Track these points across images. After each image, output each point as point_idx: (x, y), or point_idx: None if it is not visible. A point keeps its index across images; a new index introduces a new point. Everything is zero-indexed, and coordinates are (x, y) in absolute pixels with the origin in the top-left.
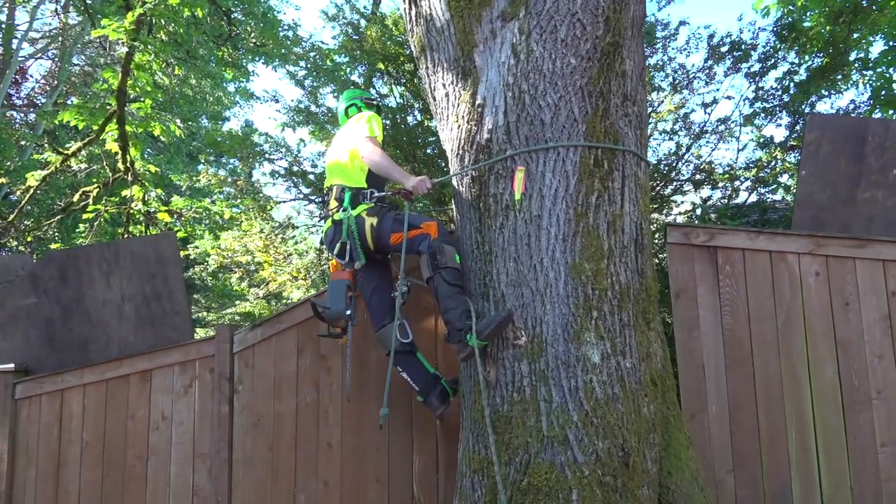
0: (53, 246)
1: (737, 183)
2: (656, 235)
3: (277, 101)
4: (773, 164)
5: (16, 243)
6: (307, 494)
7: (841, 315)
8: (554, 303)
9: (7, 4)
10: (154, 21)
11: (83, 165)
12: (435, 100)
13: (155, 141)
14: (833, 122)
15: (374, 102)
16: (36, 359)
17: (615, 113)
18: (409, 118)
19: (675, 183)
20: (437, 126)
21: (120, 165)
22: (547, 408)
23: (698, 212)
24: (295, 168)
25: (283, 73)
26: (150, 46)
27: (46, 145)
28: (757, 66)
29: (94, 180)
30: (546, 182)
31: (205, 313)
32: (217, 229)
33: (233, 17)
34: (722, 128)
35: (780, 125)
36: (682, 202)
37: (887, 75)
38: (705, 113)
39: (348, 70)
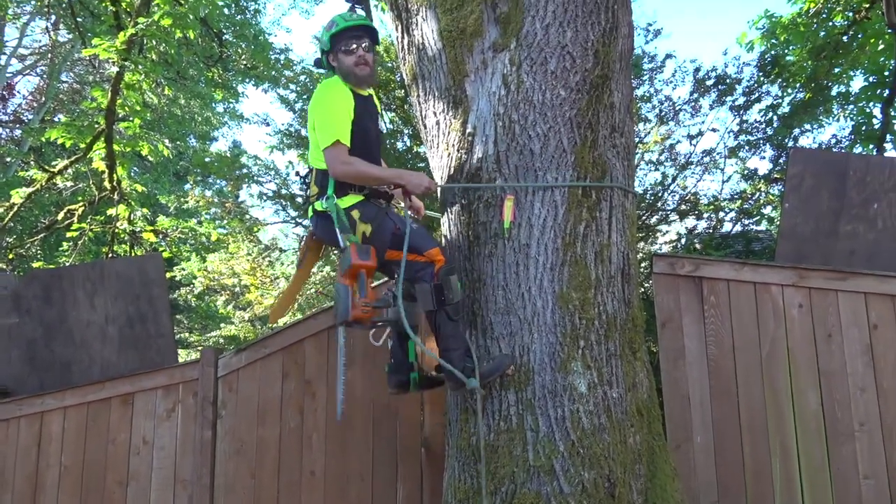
0: (36, 264)
1: (721, 214)
2: (642, 265)
3: (268, 125)
4: (757, 195)
5: None
6: None
7: (824, 347)
8: (541, 331)
9: None
10: (145, 41)
11: (69, 183)
12: (426, 127)
13: (142, 160)
14: (815, 157)
15: (351, 48)
16: (16, 379)
17: (603, 144)
18: (399, 144)
19: (660, 213)
20: (426, 153)
21: (106, 184)
22: (533, 437)
23: (683, 241)
24: (283, 191)
25: (274, 97)
26: (140, 66)
27: (32, 162)
28: (741, 100)
29: (80, 198)
30: (535, 211)
31: (187, 334)
32: (203, 251)
33: (224, 38)
34: (707, 159)
35: (763, 157)
36: (668, 231)
37: (868, 110)
38: (691, 144)
39: None
